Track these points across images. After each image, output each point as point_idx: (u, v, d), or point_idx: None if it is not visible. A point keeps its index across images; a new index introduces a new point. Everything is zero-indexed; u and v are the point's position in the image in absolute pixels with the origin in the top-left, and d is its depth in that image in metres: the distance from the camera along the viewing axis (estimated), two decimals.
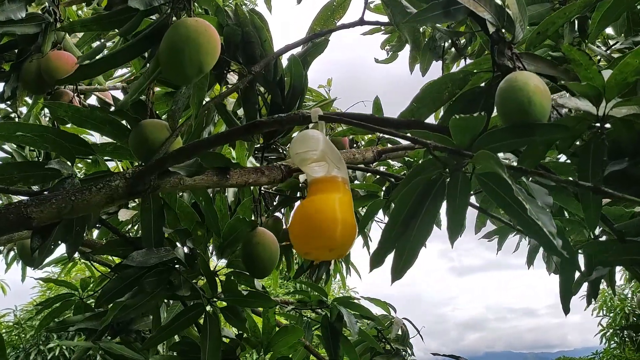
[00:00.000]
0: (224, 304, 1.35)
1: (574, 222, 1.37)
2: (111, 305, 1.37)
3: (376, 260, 0.94)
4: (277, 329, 1.35)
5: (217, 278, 1.37)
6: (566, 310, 2.07)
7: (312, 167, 0.95)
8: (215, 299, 1.32)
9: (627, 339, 12.59)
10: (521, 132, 0.85)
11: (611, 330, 12.86)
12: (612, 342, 12.78)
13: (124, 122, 1.29)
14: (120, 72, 2.23)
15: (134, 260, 1.17)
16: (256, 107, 1.37)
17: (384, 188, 2.49)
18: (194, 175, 1.11)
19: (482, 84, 1.08)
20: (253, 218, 1.42)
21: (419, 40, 1.82)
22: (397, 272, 0.96)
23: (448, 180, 0.92)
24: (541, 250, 2.80)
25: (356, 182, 2.90)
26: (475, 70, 1.05)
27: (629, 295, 12.98)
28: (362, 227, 2.87)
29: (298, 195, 1.76)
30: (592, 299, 1.63)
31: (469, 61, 2.33)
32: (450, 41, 2.25)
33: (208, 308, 1.31)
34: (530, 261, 2.31)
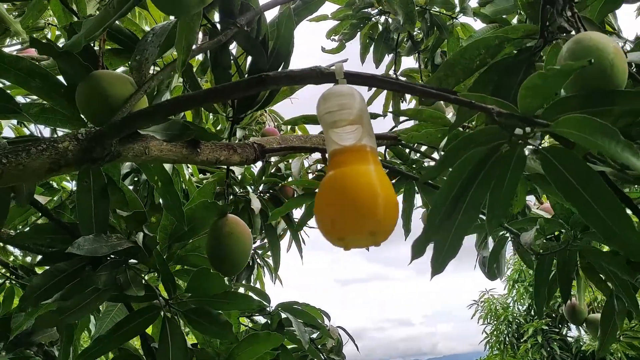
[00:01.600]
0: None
1: None
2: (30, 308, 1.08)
3: (418, 249, 0.78)
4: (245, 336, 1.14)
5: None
6: (540, 314, 2.02)
7: (343, 131, 0.77)
8: (172, 301, 1.08)
9: (508, 346, 13.50)
10: (601, 100, 0.73)
11: (494, 338, 13.76)
12: (495, 349, 13.66)
13: (59, 77, 1.02)
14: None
15: (82, 248, 0.91)
16: (229, 73, 1.16)
17: None
18: (177, 140, 0.88)
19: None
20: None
21: (412, 13, 1.70)
22: (438, 265, 0.80)
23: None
24: (478, 258, 2.79)
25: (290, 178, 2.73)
26: (513, 36, 0.92)
27: (511, 304, 13.94)
28: (298, 229, 2.71)
29: None
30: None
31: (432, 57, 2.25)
32: (407, 33, 2.16)
33: (163, 313, 1.07)
34: (491, 274, 2.25)
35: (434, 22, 2.06)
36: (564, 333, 13.09)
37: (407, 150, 1.69)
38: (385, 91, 2.31)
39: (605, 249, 1.62)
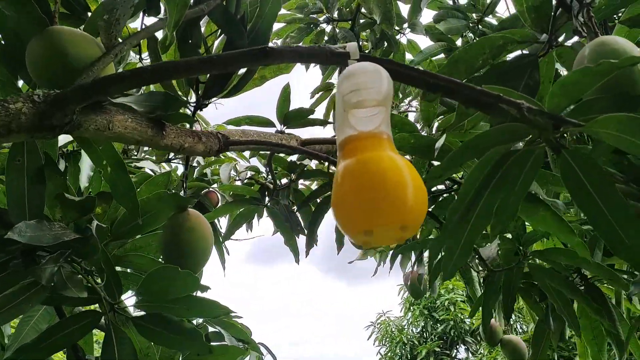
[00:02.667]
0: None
1: None
2: None
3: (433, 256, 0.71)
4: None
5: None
6: (486, 333, 2.01)
7: (366, 114, 0.69)
8: (118, 306, 0.92)
9: None
10: (632, 104, 0.71)
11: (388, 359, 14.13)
12: None
13: None
14: None
15: (23, 234, 0.74)
16: (198, 52, 1.04)
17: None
18: (156, 112, 0.75)
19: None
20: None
21: (390, 13, 1.65)
22: (449, 271, 0.74)
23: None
24: (406, 275, 2.79)
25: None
26: (518, 38, 0.90)
27: (407, 327, 14.39)
28: (224, 239, 2.55)
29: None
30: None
31: None
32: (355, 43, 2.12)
33: (106, 320, 0.91)
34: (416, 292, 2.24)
35: (384, 34, 2.04)
36: (454, 355, 13.69)
37: None
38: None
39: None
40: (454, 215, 0.71)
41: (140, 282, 0.89)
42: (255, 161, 2.86)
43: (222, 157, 3.38)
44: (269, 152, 1.78)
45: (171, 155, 2.93)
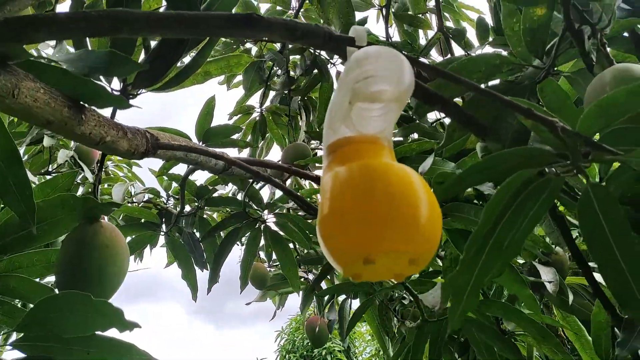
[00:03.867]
0: None
1: None
2: None
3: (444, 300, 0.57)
4: None
5: None
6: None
7: (372, 111, 0.54)
8: None
9: None
10: None
11: None
12: None
13: None
14: None
15: None
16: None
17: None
18: (95, 74, 0.55)
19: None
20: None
21: (351, 25, 1.50)
22: (457, 318, 0.60)
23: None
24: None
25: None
26: (515, 60, 0.81)
27: None
28: None
29: None
30: None
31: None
32: (285, 67, 2.00)
33: None
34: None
35: (316, 61, 1.94)
36: None
37: None
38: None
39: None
40: (471, 250, 0.58)
41: (28, 312, 0.65)
42: (153, 182, 2.59)
43: (113, 175, 3.05)
44: (186, 171, 1.56)
45: (53, 166, 2.56)
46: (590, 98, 0.69)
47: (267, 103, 2.31)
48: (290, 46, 2.13)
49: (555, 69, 0.82)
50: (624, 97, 0.55)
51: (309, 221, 1.86)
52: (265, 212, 1.95)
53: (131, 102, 0.91)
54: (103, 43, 0.81)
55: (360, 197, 0.48)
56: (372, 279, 0.51)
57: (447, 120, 1.72)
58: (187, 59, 0.88)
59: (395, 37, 2.09)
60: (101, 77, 0.83)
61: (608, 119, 0.59)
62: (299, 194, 1.30)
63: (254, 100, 2.25)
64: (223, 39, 1.74)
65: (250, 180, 1.68)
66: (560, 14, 0.85)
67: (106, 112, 0.83)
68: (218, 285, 2.01)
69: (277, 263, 2.79)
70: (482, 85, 0.82)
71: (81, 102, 0.71)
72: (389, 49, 0.53)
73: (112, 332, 0.66)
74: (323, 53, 2.05)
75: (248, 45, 2.09)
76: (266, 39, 1.95)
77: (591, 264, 0.95)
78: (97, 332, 0.67)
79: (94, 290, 0.73)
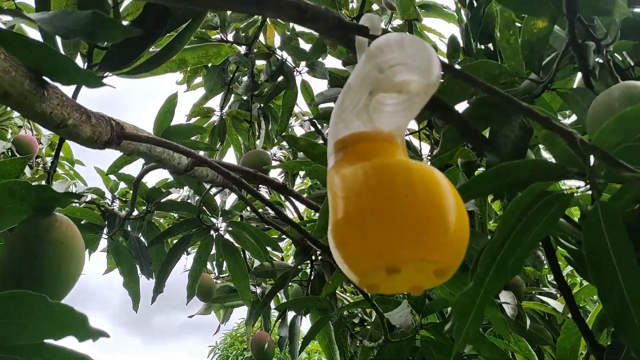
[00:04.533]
0: None
1: None
2: None
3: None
4: None
5: None
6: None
7: (394, 105, 0.49)
8: None
9: None
10: None
11: None
12: None
13: None
14: None
15: None
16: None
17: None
18: (75, 37, 0.47)
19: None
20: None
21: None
22: (461, 340, 0.55)
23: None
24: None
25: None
26: (514, 72, 0.79)
27: None
28: None
29: None
30: None
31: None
32: (250, 71, 1.93)
33: None
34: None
35: (283, 67, 1.89)
36: None
37: None
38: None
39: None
40: (483, 265, 0.53)
41: None
42: (98, 182, 2.45)
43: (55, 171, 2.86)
44: (142, 170, 1.46)
45: None
46: (597, 114, 0.67)
47: (226, 108, 2.23)
48: (255, 50, 2.07)
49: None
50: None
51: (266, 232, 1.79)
52: (220, 219, 1.87)
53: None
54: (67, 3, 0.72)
55: (384, 199, 0.42)
56: (390, 290, 0.45)
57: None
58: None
59: None
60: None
61: (627, 134, 0.56)
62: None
63: (212, 103, 2.17)
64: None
65: (208, 186, 1.60)
66: (559, 28, 0.84)
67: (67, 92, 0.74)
68: (146, 296, 1.90)
69: (224, 274, 2.69)
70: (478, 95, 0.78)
71: (44, 77, 0.62)
72: (413, 37, 0.49)
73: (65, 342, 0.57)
74: (289, 60, 2.00)
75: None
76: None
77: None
78: (46, 341, 0.58)
79: (46, 293, 0.64)
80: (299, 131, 2.89)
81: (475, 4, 1.77)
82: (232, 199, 2.61)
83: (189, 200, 2.42)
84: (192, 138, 1.57)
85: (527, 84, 0.80)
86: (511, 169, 0.58)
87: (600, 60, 0.74)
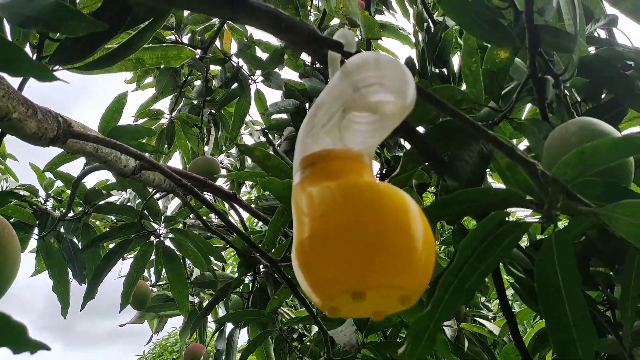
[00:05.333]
0: None
1: None
2: None
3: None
4: None
5: None
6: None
7: (367, 124, 0.48)
8: None
9: None
10: (617, 195, 0.63)
11: None
12: None
13: None
14: None
15: None
16: None
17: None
18: (35, 27, 0.43)
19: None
20: None
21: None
22: None
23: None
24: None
25: None
26: (474, 98, 0.80)
27: None
28: None
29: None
30: None
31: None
32: (204, 75, 1.90)
33: None
34: None
35: (238, 74, 1.86)
36: None
37: None
38: None
39: None
40: (441, 288, 0.53)
41: None
42: (32, 179, 2.32)
43: None
44: (84, 170, 1.40)
45: None
46: (554, 147, 0.69)
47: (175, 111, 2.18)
48: (210, 55, 2.04)
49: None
50: (608, 148, 0.55)
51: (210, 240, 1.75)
52: (162, 225, 1.81)
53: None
54: None
55: (352, 222, 0.41)
56: (350, 315, 0.44)
57: None
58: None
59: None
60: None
61: (585, 168, 0.58)
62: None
63: (161, 105, 2.12)
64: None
65: (152, 190, 1.55)
66: (520, 60, 0.86)
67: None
68: (71, 300, 1.81)
69: (161, 282, 2.61)
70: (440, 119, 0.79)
71: None
72: (389, 57, 0.48)
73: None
74: (245, 67, 1.98)
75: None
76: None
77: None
78: None
79: None
80: (248, 140, 2.86)
81: (432, 29, 1.81)
82: (174, 204, 2.55)
83: (129, 204, 2.34)
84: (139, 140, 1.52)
85: (486, 111, 0.82)
86: (473, 195, 0.59)
87: (557, 94, 0.76)
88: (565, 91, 0.75)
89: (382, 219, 0.41)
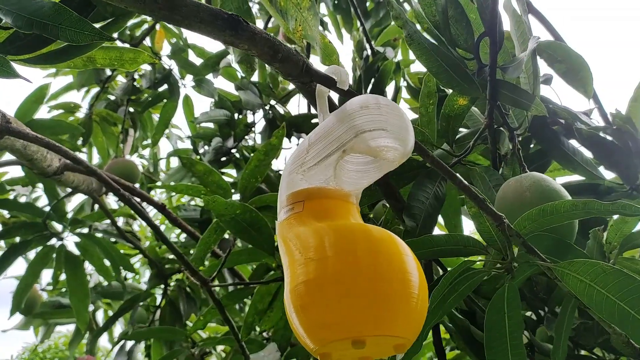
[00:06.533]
0: None
1: None
2: None
3: None
4: None
5: None
6: None
7: (359, 166, 0.49)
8: None
9: None
10: (562, 250, 0.68)
11: None
12: None
13: None
14: None
15: None
16: None
17: None
18: (32, 29, 0.39)
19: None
20: None
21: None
22: None
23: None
24: None
25: None
26: (433, 142, 0.84)
27: None
28: None
29: None
30: None
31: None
32: (130, 72, 1.81)
33: None
34: None
35: (170, 77, 1.80)
36: None
37: None
38: None
39: None
40: None
41: None
42: None
43: None
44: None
45: None
46: (507, 199, 0.73)
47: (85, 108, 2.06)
48: None
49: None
50: (568, 207, 0.59)
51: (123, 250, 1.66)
52: (68, 228, 1.70)
53: None
54: None
55: (351, 270, 0.42)
56: (341, 358, 0.44)
57: None
58: None
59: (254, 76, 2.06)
60: None
61: (543, 223, 0.62)
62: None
63: (76, 97, 2.00)
64: None
65: (70, 190, 1.45)
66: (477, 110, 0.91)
67: None
68: None
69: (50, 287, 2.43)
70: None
71: None
72: (389, 100, 0.49)
73: None
74: (176, 71, 1.93)
75: None
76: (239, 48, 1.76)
77: None
78: None
79: None
80: (166, 145, 2.77)
81: (370, 59, 1.87)
82: (71, 206, 2.39)
83: (22, 198, 2.18)
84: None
85: (439, 152, 0.86)
86: (443, 240, 0.61)
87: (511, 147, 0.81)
88: (519, 145, 0.80)
89: (382, 266, 0.42)
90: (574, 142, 0.97)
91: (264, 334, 1.34)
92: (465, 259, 0.61)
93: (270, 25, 1.92)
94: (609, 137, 0.95)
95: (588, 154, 0.97)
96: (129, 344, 1.84)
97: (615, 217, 0.79)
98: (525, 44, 0.81)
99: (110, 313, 2.34)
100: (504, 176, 0.81)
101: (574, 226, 0.71)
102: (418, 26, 0.83)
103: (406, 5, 1.81)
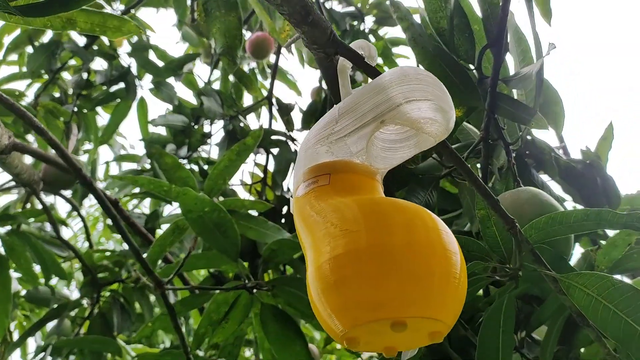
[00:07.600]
0: None
1: None
2: None
3: None
4: None
5: None
6: None
7: (393, 142, 0.46)
8: None
9: None
10: (559, 265, 0.67)
11: None
12: None
13: None
14: None
15: None
16: None
17: None
18: None
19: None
20: None
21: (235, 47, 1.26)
22: None
23: None
24: None
25: None
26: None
27: None
28: None
29: None
30: None
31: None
32: (85, 65, 1.72)
33: None
34: None
35: (127, 75, 1.72)
36: None
37: None
38: None
39: None
40: None
41: None
42: None
43: None
44: None
45: None
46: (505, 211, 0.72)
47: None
48: (95, 48, 1.86)
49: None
50: (580, 216, 0.58)
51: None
52: None
53: None
54: None
55: (408, 244, 0.38)
56: (367, 348, 0.39)
57: None
58: None
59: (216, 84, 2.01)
60: None
61: (549, 233, 0.61)
62: None
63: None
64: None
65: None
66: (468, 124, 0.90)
67: None
68: None
69: None
70: None
71: None
72: (428, 73, 0.47)
73: None
74: (134, 69, 1.84)
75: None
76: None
77: None
78: None
79: None
80: (105, 152, 2.64)
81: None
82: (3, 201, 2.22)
83: None
84: None
85: (430, 162, 0.84)
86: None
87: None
88: (514, 160, 0.79)
89: (430, 244, 0.38)
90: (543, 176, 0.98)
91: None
92: (477, 262, 0.58)
93: None
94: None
95: (556, 188, 0.98)
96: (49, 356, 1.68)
97: (603, 242, 0.79)
98: (525, 60, 0.81)
99: (26, 325, 2.16)
100: (496, 191, 0.79)
101: (572, 243, 0.70)
102: None
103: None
